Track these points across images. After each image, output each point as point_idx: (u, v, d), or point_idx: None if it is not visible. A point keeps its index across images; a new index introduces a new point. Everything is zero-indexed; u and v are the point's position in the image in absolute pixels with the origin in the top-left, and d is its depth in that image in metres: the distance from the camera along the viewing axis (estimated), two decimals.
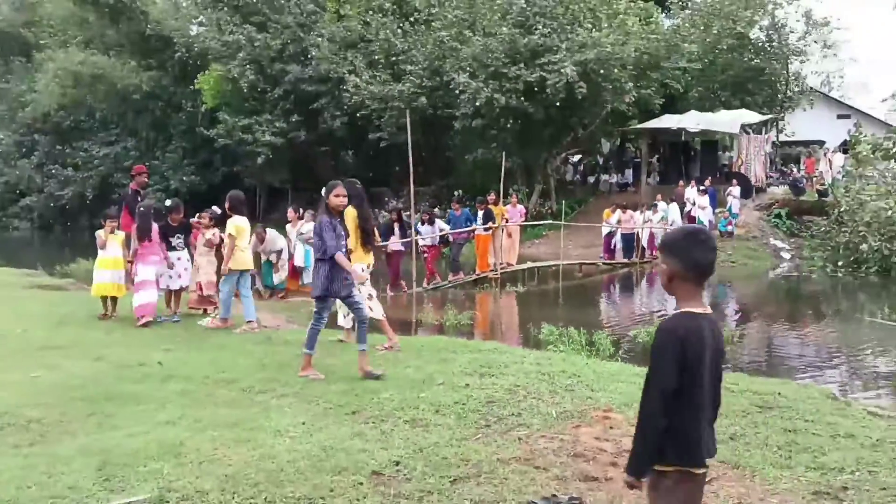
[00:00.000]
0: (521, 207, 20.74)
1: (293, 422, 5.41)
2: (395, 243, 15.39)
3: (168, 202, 11.29)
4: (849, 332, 12.19)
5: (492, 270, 17.74)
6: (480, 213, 17.92)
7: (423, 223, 16.90)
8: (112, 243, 10.01)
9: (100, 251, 10.04)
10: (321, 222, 6.91)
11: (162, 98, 39.82)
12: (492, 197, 18.33)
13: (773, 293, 19.09)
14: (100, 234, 10.02)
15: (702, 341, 2.74)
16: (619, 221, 22.05)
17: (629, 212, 22.36)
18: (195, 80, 35.73)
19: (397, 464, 4.58)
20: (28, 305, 11.55)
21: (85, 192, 39.56)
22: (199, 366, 7.26)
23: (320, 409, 5.84)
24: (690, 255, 2.79)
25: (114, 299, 10.18)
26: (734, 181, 25.11)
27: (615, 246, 22.46)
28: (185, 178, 37.65)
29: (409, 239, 15.61)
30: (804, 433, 5.31)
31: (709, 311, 2.83)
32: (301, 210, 14.85)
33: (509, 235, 19.14)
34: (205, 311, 10.52)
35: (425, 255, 16.59)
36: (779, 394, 6.34)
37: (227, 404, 5.95)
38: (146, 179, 11.77)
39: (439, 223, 17.50)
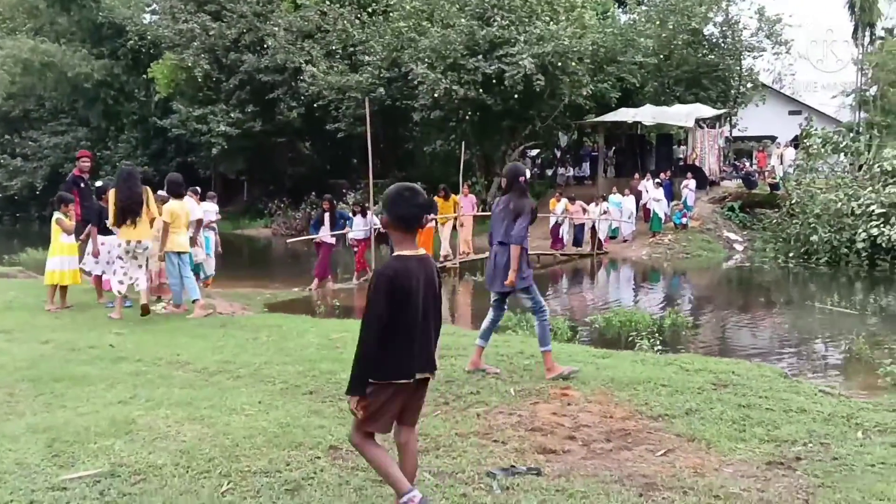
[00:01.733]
0: (472, 197, 20.44)
1: (249, 401, 5.33)
2: (325, 235, 14.78)
3: (99, 183, 11.05)
4: (800, 320, 12.44)
5: (447, 260, 17.71)
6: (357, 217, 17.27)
7: (354, 214, 16.33)
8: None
9: (62, 237, 9.70)
10: (527, 208, 6.23)
11: (114, 87, 38.99)
12: (441, 193, 18.24)
13: (727, 283, 19.41)
14: (63, 218, 9.68)
15: (409, 278, 3.24)
16: (564, 210, 22.22)
17: (578, 203, 22.56)
18: (148, 69, 35.08)
19: None
20: None
21: (35, 182, 38.54)
22: (152, 348, 7.11)
23: (276, 389, 5.76)
24: (396, 209, 3.30)
25: (63, 289, 9.89)
26: (689, 174, 25.44)
27: (562, 236, 22.58)
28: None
29: (340, 232, 15.27)
30: (758, 408, 5.39)
31: (420, 252, 3.34)
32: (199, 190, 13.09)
33: (462, 225, 19.09)
34: (158, 297, 10.32)
35: (355, 248, 16.08)
36: (733, 373, 6.42)
37: (181, 385, 5.83)
38: (89, 164, 11.43)
39: (370, 216, 16.95)
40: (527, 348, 7.39)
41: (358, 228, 15.86)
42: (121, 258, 9.20)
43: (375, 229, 14.94)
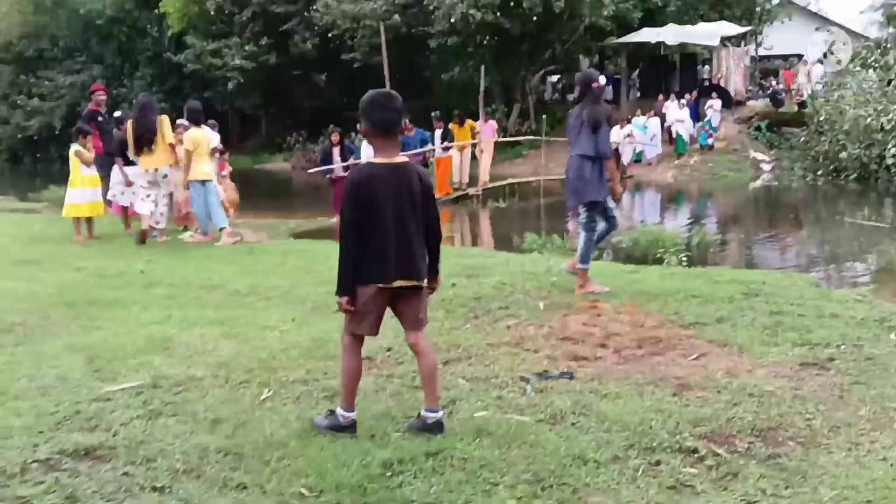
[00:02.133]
0: (492, 123, 19.73)
1: (282, 318, 5.40)
2: (338, 168, 14.05)
3: (117, 113, 11.04)
4: (830, 235, 12.30)
5: (458, 190, 17.46)
6: (438, 132, 17.24)
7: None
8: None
9: (83, 169, 9.74)
10: (602, 116, 6.05)
11: (126, 23, 38.50)
12: (455, 119, 17.76)
13: (754, 203, 19.19)
14: (82, 150, 9.70)
15: (376, 184, 3.27)
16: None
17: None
18: (160, 4, 34.60)
19: (388, 350, 4.58)
20: (0, 226, 11.36)
21: (53, 122, 38.51)
22: (182, 273, 7.20)
23: (307, 308, 5.82)
24: (373, 115, 3.31)
25: (90, 221, 9.98)
26: (714, 94, 24.90)
27: None
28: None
29: (353, 162, 15.09)
30: (790, 314, 5.37)
31: (397, 160, 3.36)
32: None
33: (482, 152, 18.71)
34: (185, 227, 10.39)
35: None
36: (763, 282, 6.39)
37: (214, 306, 5.91)
38: (104, 97, 11.40)
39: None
40: (554, 266, 7.39)
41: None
42: (144, 187, 9.29)
43: None
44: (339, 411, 3.39)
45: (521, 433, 3.30)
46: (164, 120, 9.40)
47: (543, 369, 4.23)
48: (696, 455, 3.10)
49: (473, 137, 18.16)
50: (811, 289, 6.35)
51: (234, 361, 4.34)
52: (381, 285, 3.30)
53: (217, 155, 11.48)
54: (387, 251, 3.29)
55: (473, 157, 18.89)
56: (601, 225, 6.23)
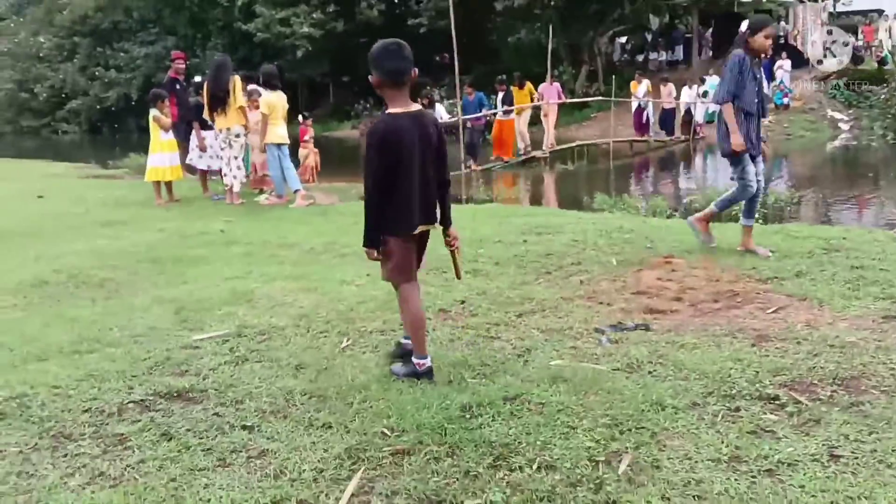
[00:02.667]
0: (557, 85, 19.20)
1: (357, 274, 5.50)
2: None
3: (197, 78, 11.27)
4: None
5: (523, 153, 17.31)
6: (500, 95, 16.96)
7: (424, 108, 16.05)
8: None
9: (161, 135, 10.04)
10: (735, 57, 5.64)
11: None
12: (516, 82, 17.35)
13: (831, 163, 18.56)
14: (160, 115, 9.98)
15: (401, 134, 3.28)
16: (647, 93, 21.35)
17: (669, 85, 21.64)
18: None
19: (463, 302, 4.65)
20: (85, 191, 11.83)
21: (130, 93, 39.69)
22: (259, 233, 7.39)
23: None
24: (383, 65, 3.29)
25: (169, 185, 10.31)
26: (783, 54, 24.01)
27: (647, 120, 21.76)
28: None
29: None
30: (872, 269, 5.22)
31: (413, 109, 3.33)
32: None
33: (545, 115, 18.46)
34: (261, 190, 10.63)
35: None
36: (843, 238, 6.21)
37: (292, 263, 6.07)
38: (183, 65, 11.67)
39: (439, 108, 16.34)
40: (626, 223, 7.34)
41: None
42: (221, 148, 9.56)
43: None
44: (414, 359, 3.47)
45: (598, 380, 3.33)
46: (237, 81, 9.57)
47: (618, 321, 4.23)
48: (776, 402, 3.08)
49: (532, 100, 17.83)
50: (893, 244, 6.15)
51: (314, 313, 4.47)
52: (408, 234, 3.41)
53: (301, 120, 11.69)
54: (413, 199, 3.36)
55: (535, 120, 18.66)
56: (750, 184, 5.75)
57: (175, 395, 3.35)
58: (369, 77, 3.33)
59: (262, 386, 3.41)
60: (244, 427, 3.00)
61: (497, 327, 4.19)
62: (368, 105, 33.74)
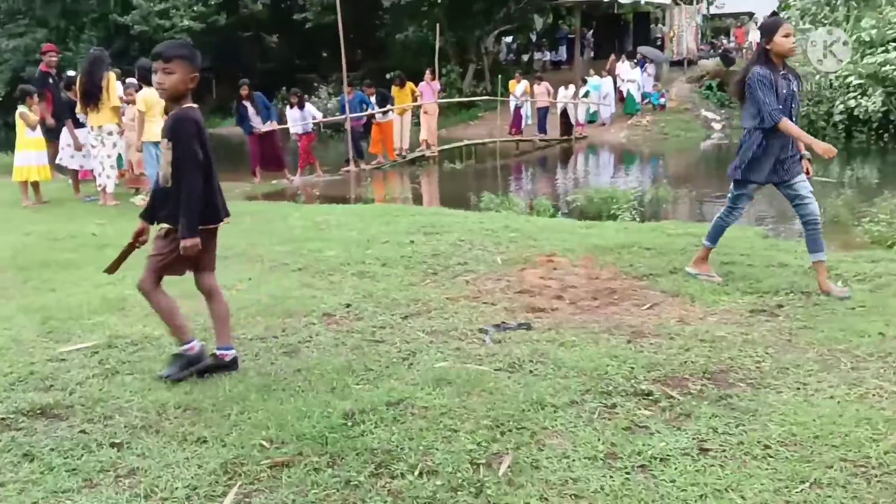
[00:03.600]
0: (436, 84, 18.83)
1: (239, 277, 5.36)
2: (263, 126, 13.49)
3: (70, 73, 10.73)
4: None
5: (405, 152, 17.17)
6: (373, 97, 16.49)
7: (291, 107, 15.06)
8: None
9: (27, 132, 9.47)
10: (755, 76, 4.83)
11: None
12: (396, 81, 17.15)
13: (705, 162, 19.45)
14: (27, 112, 9.42)
15: (203, 125, 3.46)
16: (524, 93, 21.72)
17: (543, 84, 22.03)
18: None
19: (348, 306, 4.60)
20: None
21: None
22: None
23: (266, 267, 5.79)
24: (196, 63, 3.45)
25: (36, 185, 9.75)
26: (641, 56, 24.83)
27: (524, 120, 22.07)
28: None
29: (309, 121, 14.69)
30: (740, 265, 5.50)
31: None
32: None
33: (425, 113, 18.16)
34: (136, 189, 10.20)
35: (298, 141, 15.00)
36: None
37: None
38: (55, 58, 11.07)
39: (310, 108, 15.65)
40: (511, 223, 7.45)
41: (295, 122, 14.78)
42: (93, 146, 9.13)
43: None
44: (184, 348, 3.50)
45: (481, 381, 3.35)
46: (111, 77, 9.15)
47: (502, 321, 4.28)
48: (650, 398, 3.18)
49: (414, 99, 17.55)
50: (760, 240, 6.51)
51: (192, 320, 4.30)
52: (214, 226, 3.53)
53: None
54: (218, 189, 3.51)
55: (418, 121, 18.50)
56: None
57: (39, 411, 3.16)
58: (187, 69, 3.37)
59: (133, 400, 3.26)
60: (113, 444, 2.86)
61: (382, 330, 4.16)
62: (291, 95, 32.93)
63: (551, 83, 23.16)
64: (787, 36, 4.89)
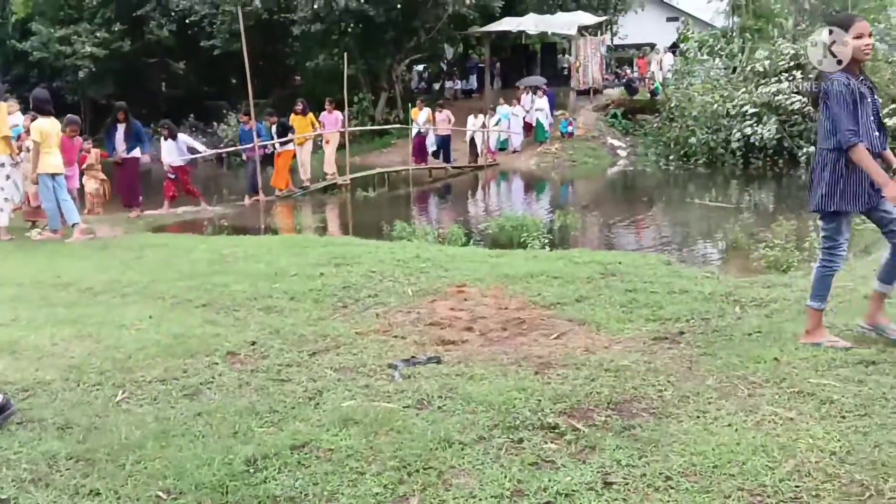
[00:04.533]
0: (337, 114, 18.34)
1: (139, 315, 5.17)
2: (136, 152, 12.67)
3: None
4: (680, 216, 12.97)
5: (300, 187, 16.63)
6: (273, 126, 16.03)
7: (164, 139, 14.17)
8: None
9: None
10: (836, 86, 4.05)
11: None
12: (298, 107, 16.62)
13: (611, 188, 20.01)
14: None
15: None
16: (427, 121, 21.80)
17: (445, 112, 22.00)
18: None
19: (253, 344, 4.49)
20: None
21: None
22: (31, 271, 6.77)
23: (168, 304, 5.61)
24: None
25: None
26: (539, 92, 25.14)
27: (429, 149, 22.08)
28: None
29: (193, 156, 14.25)
30: (643, 292, 5.63)
31: None
32: None
33: (327, 142, 17.96)
34: (33, 223, 9.77)
35: (171, 175, 14.00)
36: (619, 263, 6.67)
37: (66, 304, 5.59)
38: None
39: (184, 139, 14.72)
40: (422, 252, 7.45)
41: (171, 153, 13.93)
42: None
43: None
44: None
45: (389, 420, 3.31)
46: (2, 107, 8.79)
47: (411, 355, 4.25)
48: (556, 431, 3.19)
49: (314, 129, 17.14)
50: (663, 267, 6.68)
51: (87, 363, 4.12)
52: None
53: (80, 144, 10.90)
54: None
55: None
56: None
57: None
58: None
59: (21, 451, 3.07)
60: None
61: (289, 369, 4.07)
62: (161, 128, 32.19)
63: (462, 111, 23.42)
64: (859, 37, 4.08)
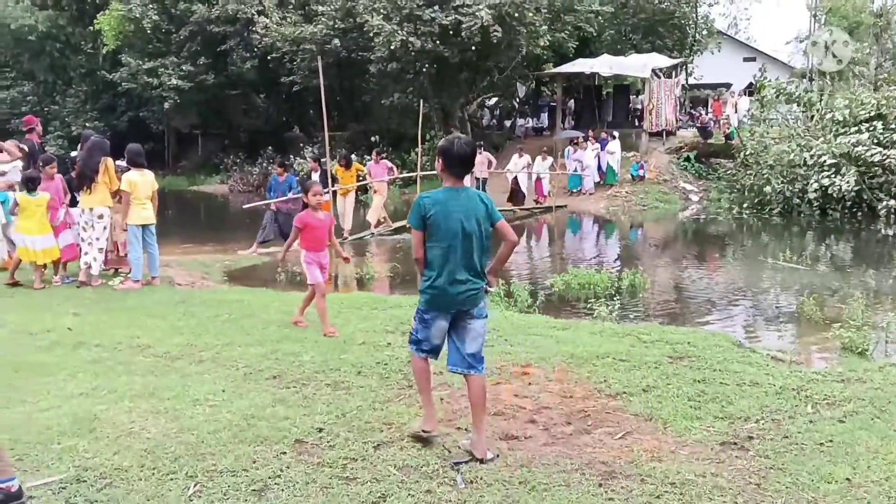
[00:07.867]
0: (386, 163, 18.62)
1: (213, 389, 5.33)
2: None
3: (74, 153, 10.89)
4: (752, 279, 12.67)
5: (351, 235, 16.58)
6: (315, 175, 15.90)
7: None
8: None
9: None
10: None
11: (59, 39, 37.75)
12: (342, 161, 16.93)
13: (682, 236, 19.69)
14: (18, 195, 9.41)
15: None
16: (527, 165, 22.20)
17: (485, 154, 21.68)
18: (94, 21, 33.96)
19: (320, 430, 4.58)
20: None
21: None
22: (110, 330, 7.04)
23: (240, 374, 5.77)
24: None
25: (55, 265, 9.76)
26: (609, 137, 24.87)
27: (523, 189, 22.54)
28: (87, 124, 35.87)
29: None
30: (712, 383, 5.55)
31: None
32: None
33: (376, 192, 17.92)
34: (115, 270, 10.17)
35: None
36: (688, 343, 6.59)
37: (143, 372, 5.80)
38: (40, 128, 11.43)
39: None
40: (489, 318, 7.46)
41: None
42: (83, 228, 9.28)
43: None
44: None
45: None
46: (109, 163, 9.37)
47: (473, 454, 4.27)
48: None
49: (359, 180, 17.24)
50: (733, 349, 6.55)
51: (161, 447, 4.27)
52: None
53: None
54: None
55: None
56: None
57: None
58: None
59: None
60: None
61: (354, 463, 4.14)
62: (239, 159, 33.21)
63: (533, 150, 23.55)
64: None
